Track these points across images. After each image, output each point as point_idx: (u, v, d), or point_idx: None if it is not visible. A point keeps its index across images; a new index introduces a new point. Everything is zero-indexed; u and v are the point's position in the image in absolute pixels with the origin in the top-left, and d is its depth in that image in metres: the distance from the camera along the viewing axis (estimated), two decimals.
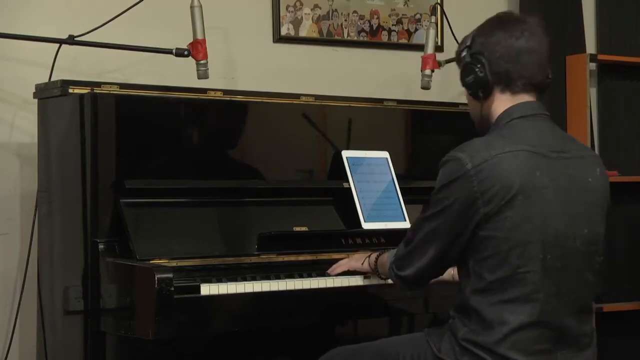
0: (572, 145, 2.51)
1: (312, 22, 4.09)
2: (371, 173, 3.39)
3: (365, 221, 3.28)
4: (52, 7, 3.58)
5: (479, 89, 2.51)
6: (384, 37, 4.26)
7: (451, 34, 3.87)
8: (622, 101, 4.90)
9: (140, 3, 3.38)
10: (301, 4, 4.06)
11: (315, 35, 4.10)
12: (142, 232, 2.94)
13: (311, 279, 2.99)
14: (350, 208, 3.30)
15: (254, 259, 3.06)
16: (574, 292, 2.42)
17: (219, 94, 3.29)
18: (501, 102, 2.51)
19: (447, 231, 2.42)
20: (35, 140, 3.27)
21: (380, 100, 3.67)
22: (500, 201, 2.35)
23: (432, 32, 3.77)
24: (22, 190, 3.51)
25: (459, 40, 2.63)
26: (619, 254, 4.81)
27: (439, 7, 4.02)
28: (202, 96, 3.26)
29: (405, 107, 3.69)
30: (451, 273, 2.65)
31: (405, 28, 4.31)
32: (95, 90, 3.03)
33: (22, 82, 3.44)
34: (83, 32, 3.31)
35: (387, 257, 2.68)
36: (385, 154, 3.45)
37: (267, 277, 2.95)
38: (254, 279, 2.93)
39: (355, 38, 4.19)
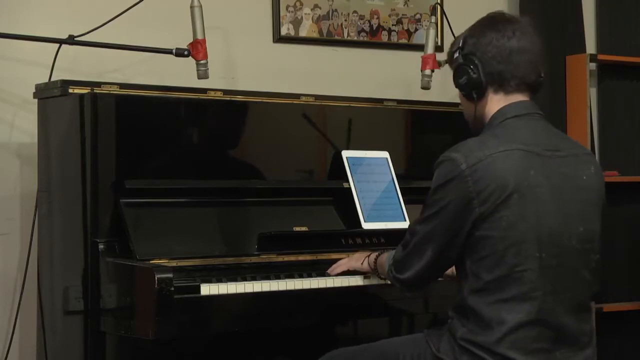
0: (566, 144, 2.52)
1: (312, 22, 4.09)
2: (371, 173, 3.39)
3: (365, 221, 3.28)
4: (52, 7, 3.58)
5: (473, 90, 2.51)
6: (384, 37, 4.26)
7: (451, 34, 3.87)
8: (622, 101, 4.90)
9: (140, 3, 3.38)
10: (301, 4, 4.06)
11: (315, 35, 4.10)
12: (142, 232, 2.94)
13: (311, 279, 2.99)
14: (350, 208, 3.30)
15: (254, 259, 3.06)
16: (570, 290, 2.43)
17: (219, 94, 3.30)
18: (495, 102, 2.51)
19: (444, 232, 2.42)
20: (35, 140, 3.27)
21: (380, 100, 3.67)
22: (495, 201, 2.36)
23: (432, 32, 3.77)
24: (22, 190, 3.51)
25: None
26: (619, 254, 4.81)
27: (439, 7, 4.02)
28: (202, 96, 3.26)
29: (405, 107, 3.69)
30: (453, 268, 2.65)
31: (405, 28, 4.31)
32: (95, 90, 3.03)
33: (22, 82, 3.44)
34: (83, 32, 3.31)
35: (386, 258, 2.68)
36: (385, 154, 3.46)
37: (267, 277, 2.95)
38: (254, 279, 2.93)
39: (355, 38, 4.19)
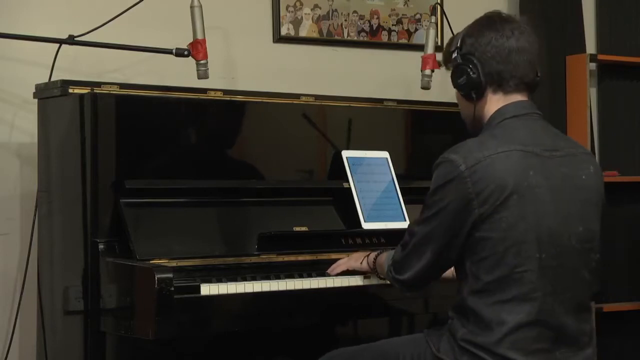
0: (565, 143, 2.51)
1: (312, 22, 4.09)
2: (371, 173, 3.39)
3: (365, 221, 3.28)
4: (52, 7, 3.58)
5: (472, 90, 2.51)
6: (384, 37, 4.26)
7: (451, 34, 3.87)
8: (622, 101, 4.90)
9: (140, 3, 3.38)
10: (301, 4, 4.06)
11: (315, 35, 4.10)
12: (142, 232, 2.94)
13: (311, 279, 2.99)
14: (350, 208, 3.30)
15: (254, 259, 3.06)
16: (570, 290, 2.42)
17: (219, 94, 3.30)
18: (493, 103, 2.51)
19: (443, 233, 2.42)
20: (35, 140, 3.27)
21: (380, 100, 3.67)
22: (495, 202, 2.35)
23: (432, 32, 3.77)
24: (22, 190, 3.51)
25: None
26: (619, 254, 4.81)
27: (439, 7, 4.02)
28: (202, 96, 3.26)
29: (405, 107, 3.69)
30: (452, 270, 2.65)
31: (405, 28, 4.31)
32: (95, 90, 3.03)
33: (22, 82, 3.44)
34: (83, 32, 3.31)
35: (385, 258, 2.68)
36: (385, 154, 3.46)
37: (267, 277, 2.95)
38: (254, 279, 2.93)
39: (355, 38, 4.19)
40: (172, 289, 2.67)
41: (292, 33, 4.04)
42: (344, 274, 3.01)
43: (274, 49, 4.02)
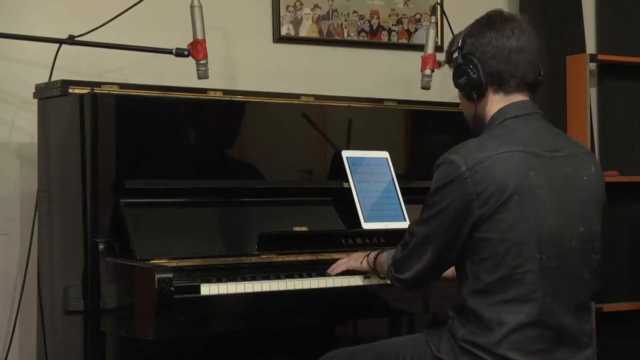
0: (566, 144, 2.51)
1: (312, 22, 4.09)
2: (371, 173, 3.39)
3: (365, 221, 3.28)
4: (52, 7, 3.58)
5: (473, 90, 2.51)
6: (384, 37, 4.26)
7: (451, 34, 3.86)
8: (622, 101, 4.90)
9: (140, 3, 3.38)
10: (301, 4, 4.06)
11: (315, 35, 4.10)
12: (142, 232, 2.94)
13: (311, 279, 2.99)
14: (350, 208, 3.30)
15: (254, 259, 3.06)
16: (570, 290, 2.42)
17: (219, 94, 3.30)
18: (494, 103, 2.51)
19: (443, 233, 2.41)
20: (35, 140, 3.27)
21: (380, 100, 3.67)
22: (495, 202, 2.35)
23: (432, 32, 3.77)
24: (22, 190, 3.51)
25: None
26: (619, 254, 4.81)
27: (439, 7, 4.02)
28: (202, 96, 3.26)
29: (405, 107, 3.69)
30: (452, 269, 2.65)
31: (405, 28, 4.31)
32: (95, 90, 3.03)
33: (22, 82, 3.44)
34: (83, 32, 3.31)
35: (386, 258, 2.68)
36: (385, 154, 3.45)
37: (267, 277, 2.95)
38: (254, 279, 2.93)
39: (355, 38, 4.19)
40: (172, 289, 2.67)
41: (292, 33, 4.04)
42: (344, 274, 3.01)
43: (274, 49, 4.02)
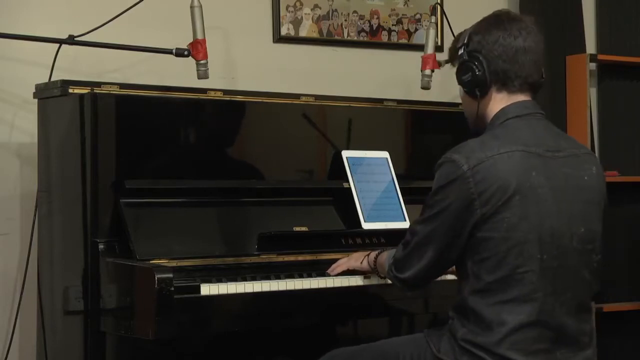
0: (567, 144, 2.51)
1: (312, 22, 4.09)
2: (371, 173, 3.39)
3: (365, 221, 3.28)
4: (52, 7, 3.58)
5: (476, 88, 2.51)
6: (384, 37, 4.26)
7: (451, 34, 3.87)
8: (622, 101, 4.90)
9: (140, 3, 3.38)
10: (301, 4, 4.06)
11: (315, 35, 4.10)
12: (142, 232, 2.94)
13: (311, 279, 2.99)
14: (350, 208, 3.30)
15: (254, 259, 3.06)
16: (570, 290, 2.42)
17: (219, 94, 3.29)
18: (497, 102, 2.51)
19: (445, 233, 2.41)
20: (35, 140, 3.27)
21: (380, 100, 3.67)
22: (497, 202, 2.35)
23: (432, 32, 3.77)
24: (22, 190, 3.51)
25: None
26: (619, 254, 4.81)
27: (439, 7, 4.02)
28: (202, 96, 3.26)
29: (405, 107, 3.69)
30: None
31: (405, 28, 4.31)
32: (95, 90, 3.03)
33: (22, 82, 3.44)
34: (83, 32, 3.31)
35: (386, 257, 2.68)
36: (385, 154, 3.45)
37: (267, 277, 2.95)
38: (254, 279, 2.93)
39: (355, 38, 4.19)
40: (172, 289, 2.67)
41: (292, 33, 4.04)
42: (344, 274, 3.01)
43: (274, 49, 4.02)
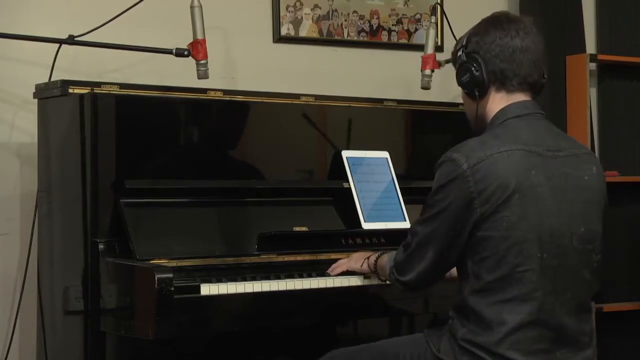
0: (567, 144, 2.51)
1: (312, 22, 4.09)
2: (371, 173, 3.39)
3: (365, 221, 3.28)
4: (52, 7, 3.58)
5: (475, 88, 2.51)
6: (384, 37, 4.26)
7: (451, 34, 3.87)
8: (622, 101, 4.90)
9: (140, 3, 3.38)
10: (301, 4, 4.06)
11: (315, 35, 4.10)
12: (142, 232, 2.94)
13: (311, 279, 2.99)
14: (350, 208, 3.30)
15: (254, 259, 3.06)
16: (570, 290, 2.42)
17: (219, 94, 3.29)
18: (496, 101, 2.51)
19: (445, 233, 2.42)
20: (35, 140, 3.27)
21: (380, 100, 3.67)
22: (497, 201, 2.35)
23: (432, 32, 3.77)
24: (22, 190, 3.51)
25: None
26: (619, 254, 4.81)
27: (439, 7, 4.02)
28: (202, 96, 3.26)
29: (405, 107, 3.69)
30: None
31: (405, 28, 4.31)
32: (95, 90, 3.03)
33: (22, 82, 3.44)
34: (83, 32, 3.31)
35: (387, 260, 2.68)
36: (385, 154, 3.45)
37: (267, 277, 2.95)
38: (254, 279, 2.93)
39: (355, 38, 4.19)
40: (172, 289, 2.67)
41: (292, 33, 4.04)
42: (344, 273, 3.01)
43: (274, 49, 4.02)
